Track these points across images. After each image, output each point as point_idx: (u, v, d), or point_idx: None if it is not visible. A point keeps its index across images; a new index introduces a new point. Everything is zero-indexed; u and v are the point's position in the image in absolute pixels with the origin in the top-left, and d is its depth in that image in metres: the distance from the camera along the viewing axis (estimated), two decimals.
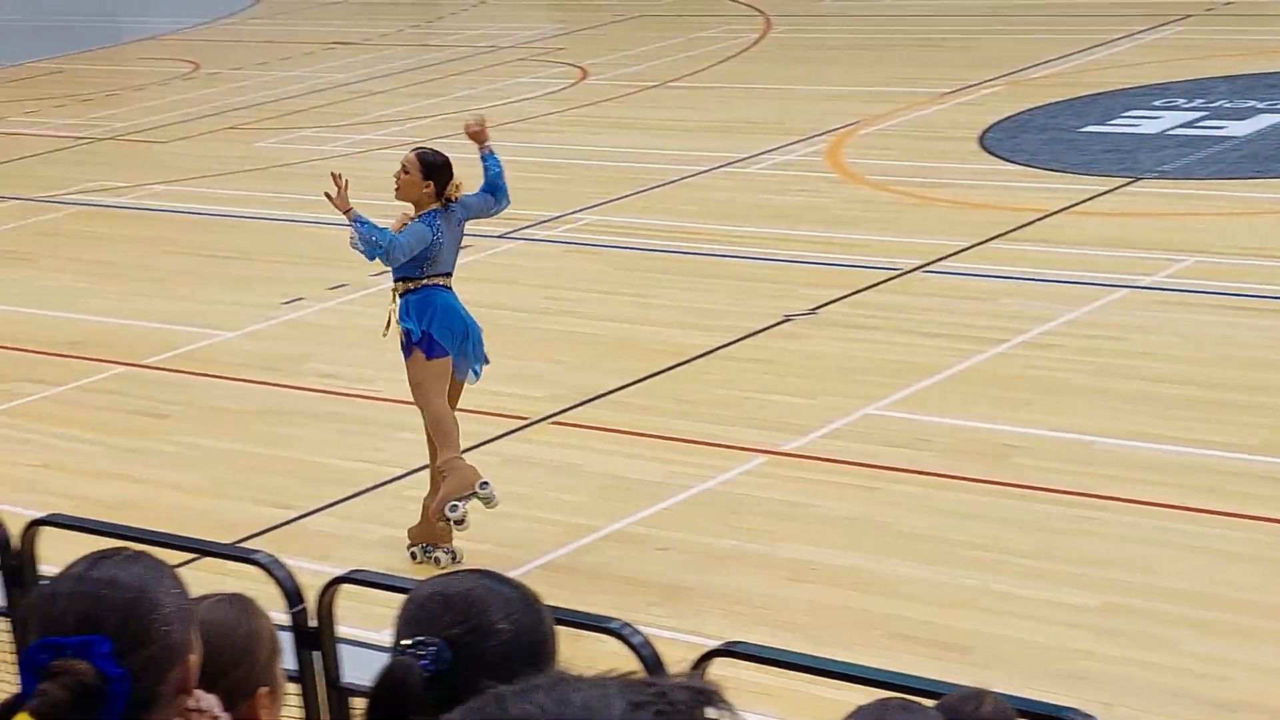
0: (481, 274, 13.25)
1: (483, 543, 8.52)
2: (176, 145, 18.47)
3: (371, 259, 8.44)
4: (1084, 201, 13.60)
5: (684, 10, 24.57)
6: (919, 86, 18.13)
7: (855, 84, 18.68)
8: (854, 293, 11.97)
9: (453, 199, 8.46)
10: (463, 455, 8.42)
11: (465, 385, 8.59)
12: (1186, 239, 12.51)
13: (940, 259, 12.51)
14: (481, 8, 26.62)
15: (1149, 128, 15.51)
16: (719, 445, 9.56)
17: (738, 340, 11.27)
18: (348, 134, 18.32)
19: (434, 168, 8.44)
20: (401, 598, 2.68)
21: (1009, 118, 16.44)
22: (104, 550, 2.65)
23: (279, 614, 3.84)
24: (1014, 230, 13.04)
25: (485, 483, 8.34)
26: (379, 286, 13.06)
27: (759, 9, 23.77)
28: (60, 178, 17.32)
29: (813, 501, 8.80)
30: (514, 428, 10.06)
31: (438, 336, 8.38)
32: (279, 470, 9.81)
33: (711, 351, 11.12)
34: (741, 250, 13.17)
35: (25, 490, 9.58)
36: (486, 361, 8.62)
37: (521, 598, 2.66)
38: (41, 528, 5.29)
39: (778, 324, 11.51)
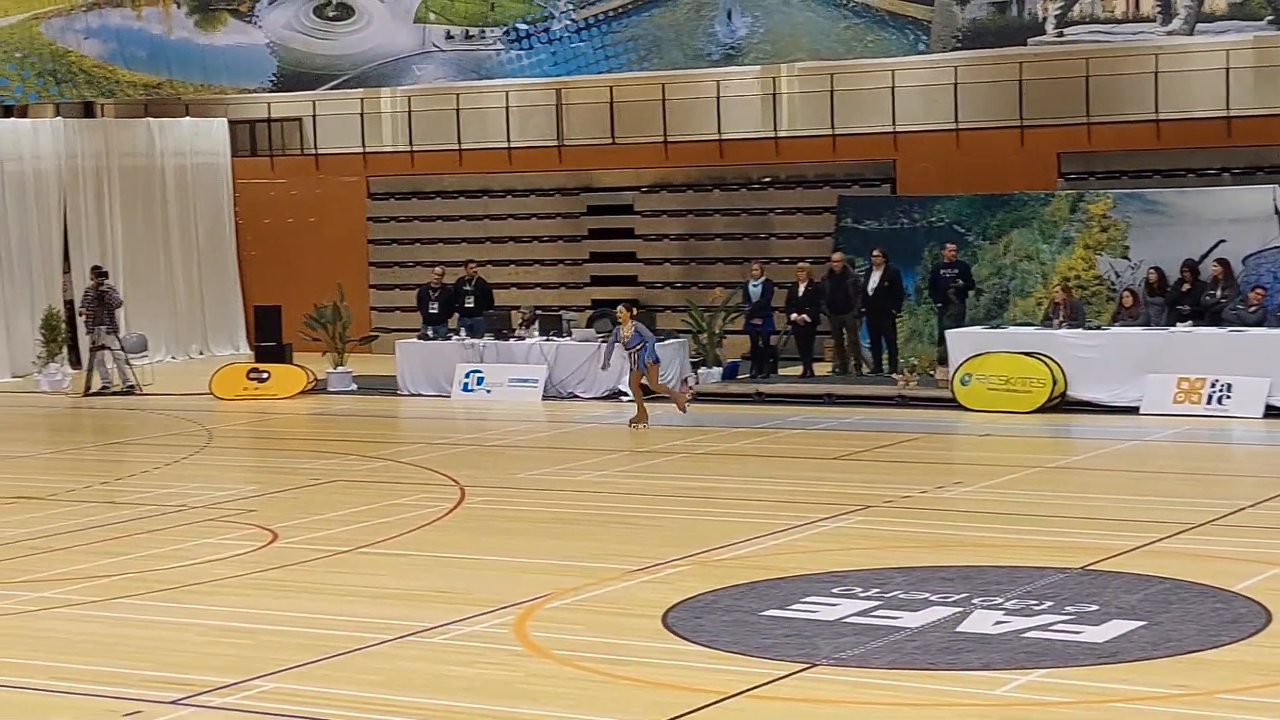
0: None
1: None
2: None
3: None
4: (762, 685, 13.78)
5: (379, 477, 24.73)
6: (608, 562, 18.38)
7: (545, 556, 18.88)
8: None
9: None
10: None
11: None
12: None
13: None
14: (175, 466, 26.45)
15: (827, 614, 15.88)
16: None
17: None
18: (23, 590, 17.81)
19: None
20: None
21: (693, 597, 16.71)
22: None
23: None
24: (693, 711, 13.12)
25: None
26: None
27: (454, 479, 24.04)
28: None
29: None
30: None
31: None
32: None
33: None
34: None
35: None
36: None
37: None
38: None
39: None
